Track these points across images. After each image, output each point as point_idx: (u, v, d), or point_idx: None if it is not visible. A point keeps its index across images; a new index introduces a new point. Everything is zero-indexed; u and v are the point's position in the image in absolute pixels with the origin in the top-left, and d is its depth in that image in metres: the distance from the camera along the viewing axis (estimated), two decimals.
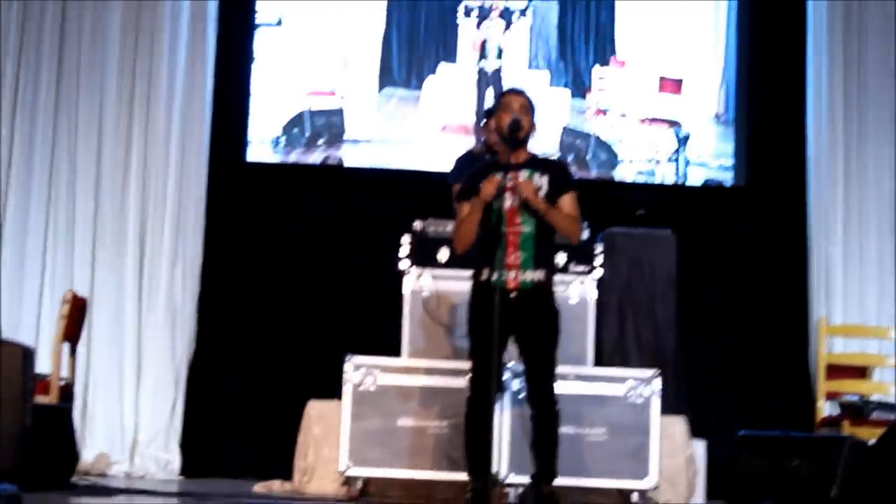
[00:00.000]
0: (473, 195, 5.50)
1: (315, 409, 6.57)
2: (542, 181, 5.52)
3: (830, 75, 8.02)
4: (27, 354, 5.73)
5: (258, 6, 8.26)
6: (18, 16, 7.81)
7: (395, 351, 6.69)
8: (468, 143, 7.98)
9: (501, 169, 5.49)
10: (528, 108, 5.56)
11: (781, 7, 8.28)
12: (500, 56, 8.32)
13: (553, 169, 5.61)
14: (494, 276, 5.39)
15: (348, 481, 6.31)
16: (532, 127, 5.60)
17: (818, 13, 8.09)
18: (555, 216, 5.46)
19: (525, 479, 5.90)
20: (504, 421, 6.18)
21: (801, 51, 8.15)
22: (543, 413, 5.50)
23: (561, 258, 6.47)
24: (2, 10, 7.75)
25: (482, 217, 5.46)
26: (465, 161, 7.05)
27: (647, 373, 6.35)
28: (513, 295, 5.43)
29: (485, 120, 6.96)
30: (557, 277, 5.68)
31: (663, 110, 8.34)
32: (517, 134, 5.49)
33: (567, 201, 5.54)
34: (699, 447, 6.63)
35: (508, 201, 5.46)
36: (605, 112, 8.32)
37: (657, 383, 6.30)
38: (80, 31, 7.83)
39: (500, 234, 5.44)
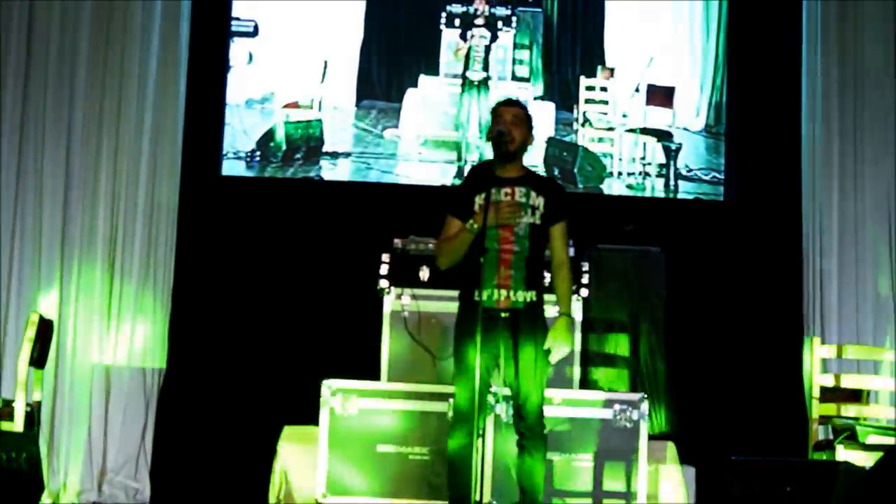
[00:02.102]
0: (462, 210, 5.53)
1: (291, 435, 6.61)
2: (538, 201, 5.56)
3: (825, 88, 8.04)
4: None
5: (233, 14, 8.29)
6: None
7: (374, 374, 6.72)
8: (450, 156, 8.03)
9: (494, 184, 5.52)
10: (522, 119, 5.60)
11: (775, 19, 8.32)
12: (485, 67, 8.35)
13: (551, 191, 5.64)
14: (484, 296, 5.43)
15: None
16: (528, 139, 5.64)
17: (812, 25, 8.13)
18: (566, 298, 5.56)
19: None
20: (487, 447, 6.21)
21: (795, 64, 8.18)
22: (530, 439, 5.53)
23: (546, 277, 6.49)
24: None
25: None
26: (478, 172, 7.04)
27: (635, 396, 6.40)
28: (503, 315, 5.47)
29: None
30: (544, 297, 5.71)
31: (653, 122, 8.38)
32: (503, 147, 5.53)
33: (559, 233, 5.59)
34: (688, 473, 6.68)
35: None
36: (592, 124, 8.36)
37: (645, 407, 6.35)
38: (48, 41, 7.81)
39: (493, 252, 5.48)
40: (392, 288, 6.79)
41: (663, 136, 8.35)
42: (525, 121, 5.62)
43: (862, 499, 5.15)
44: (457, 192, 5.74)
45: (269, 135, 8.28)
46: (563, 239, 5.62)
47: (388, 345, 6.75)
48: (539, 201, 5.56)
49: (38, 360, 6.55)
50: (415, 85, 8.33)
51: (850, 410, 6.72)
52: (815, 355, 6.73)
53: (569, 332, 5.57)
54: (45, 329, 6.62)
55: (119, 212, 7.82)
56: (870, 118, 8.03)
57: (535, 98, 8.30)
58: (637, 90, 8.37)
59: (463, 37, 8.36)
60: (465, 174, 7.10)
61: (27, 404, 6.38)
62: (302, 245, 8.09)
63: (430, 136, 8.31)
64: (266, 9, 8.33)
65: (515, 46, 8.41)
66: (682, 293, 7.88)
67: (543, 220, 5.56)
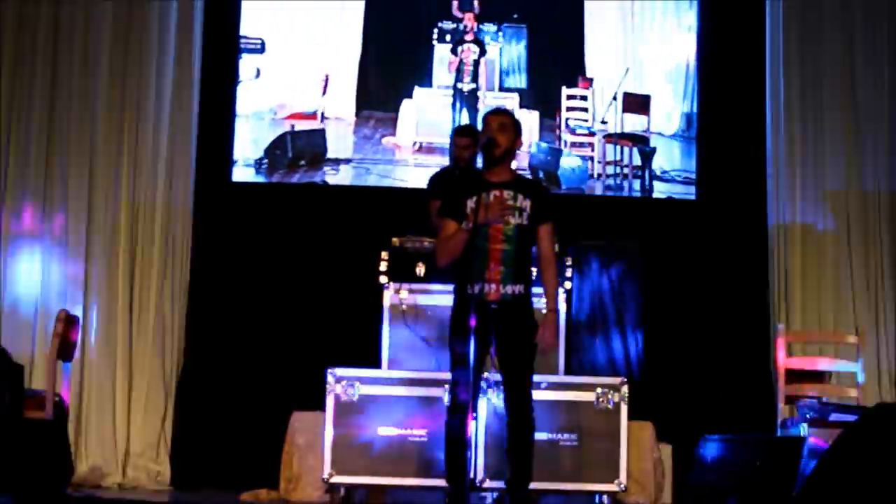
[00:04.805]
0: (456, 212, 5.53)
1: (299, 420, 6.60)
2: (525, 203, 5.55)
3: (787, 95, 8.08)
4: (17, 370, 5.74)
5: (242, 32, 8.29)
6: (11, 39, 7.82)
7: (375, 362, 6.72)
8: (443, 161, 8.04)
9: (484, 187, 5.52)
10: (508, 125, 5.57)
11: (741, 35, 8.33)
12: (474, 79, 8.37)
13: (537, 193, 5.63)
14: (476, 289, 5.44)
15: (332, 488, 6.34)
16: (516, 144, 5.63)
17: (774, 41, 8.15)
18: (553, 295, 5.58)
19: (501, 485, 5.95)
20: (481, 428, 6.22)
21: (759, 74, 8.20)
22: (520, 420, 5.52)
23: (534, 272, 6.50)
24: None
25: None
26: (441, 178, 7.12)
27: (616, 380, 6.41)
28: (493, 306, 5.47)
29: (452, 138, 7.08)
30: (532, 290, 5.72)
31: (630, 128, 8.39)
32: (491, 153, 5.54)
33: (545, 233, 5.58)
34: (666, 451, 6.69)
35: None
36: (573, 130, 8.37)
37: (625, 390, 6.36)
38: (71, 59, 7.84)
39: (484, 250, 5.48)
40: (391, 283, 6.79)
41: (639, 140, 8.36)
42: (511, 127, 5.59)
43: (825, 472, 5.17)
44: (448, 195, 5.73)
45: (276, 143, 8.28)
46: (549, 238, 5.62)
47: (388, 335, 6.75)
48: (526, 203, 5.55)
49: (65, 353, 6.55)
50: (410, 96, 8.34)
51: (813, 391, 6.74)
52: (781, 341, 6.75)
53: (555, 328, 5.62)
54: (71, 325, 6.62)
55: (139, 215, 7.85)
56: (828, 123, 8.09)
57: (521, 106, 8.31)
58: (615, 98, 8.38)
59: (454, 51, 8.37)
60: (434, 181, 7.12)
61: (56, 395, 6.38)
62: (307, 245, 8.10)
63: (425, 142, 8.33)
64: (272, 28, 8.33)
65: (502, 59, 8.41)
66: (659, 285, 7.89)
67: (530, 221, 5.55)
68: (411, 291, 6.76)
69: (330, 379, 6.34)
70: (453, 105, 8.33)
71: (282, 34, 8.35)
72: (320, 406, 6.38)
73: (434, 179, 7.17)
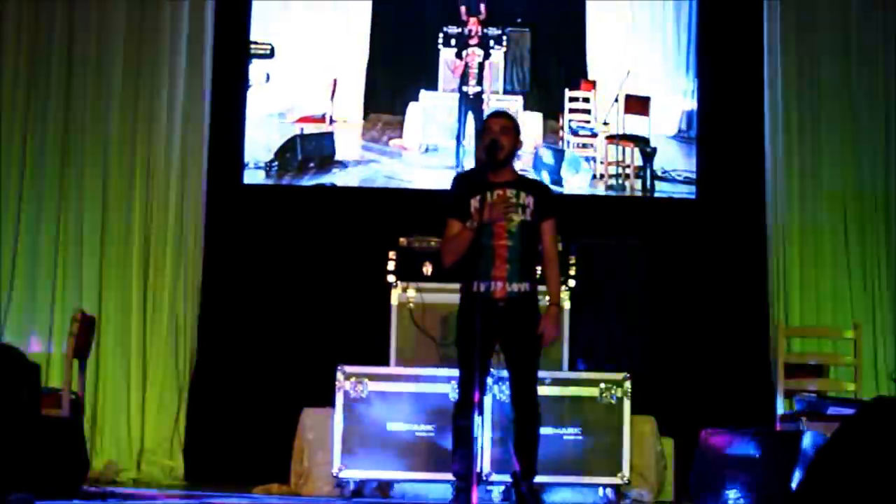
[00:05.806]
0: (461, 213, 5.56)
1: (309, 417, 6.62)
2: (528, 201, 5.59)
3: (785, 95, 8.07)
4: (34, 369, 5.78)
5: (251, 38, 8.32)
6: (27, 49, 7.87)
7: (383, 360, 6.75)
8: (448, 162, 8.07)
9: (487, 187, 5.56)
10: (510, 128, 5.61)
11: (740, 35, 8.33)
12: (479, 82, 8.39)
13: (539, 191, 5.68)
14: (483, 287, 5.47)
15: (341, 483, 6.38)
16: (517, 145, 5.67)
17: (773, 42, 8.15)
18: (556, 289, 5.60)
19: (507, 478, 5.98)
20: (487, 423, 6.25)
21: (758, 75, 8.20)
22: (526, 415, 5.56)
23: (538, 269, 6.52)
24: (11, 44, 7.84)
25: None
26: (465, 179, 7.10)
27: (619, 376, 6.44)
28: (500, 304, 5.51)
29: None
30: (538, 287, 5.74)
31: (631, 129, 8.41)
32: (496, 155, 5.57)
33: (548, 229, 5.63)
34: (668, 444, 6.72)
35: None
36: (576, 132, 8.39)
37: (628, 385, 6.39)
38: (84, 67, 7.89)
39: (489, 248, 5.52)
40: (398, 282, 6.82)
41: (640, 141, 8.37)
42: (512, 129, 5.64)
43: (824, 464, 5.18)
44: (453, 197, 5.78)
45: (285, 146, 8.31)
46: (552, 235, 5.65)
47: (396, 333, 6.78)
48: (529, 200, 5.58)
49: (81, 352, 6.59)
50: (416, 99, 8.35)
51: (812, 385, 6.76)
52: (781, 335, 6.78)
53: (557, 321, 5.64)
54: (87, 325, 6.66)
55: (152, 217, 7.88)
56: (826, 122, 8.08)
57: (524, 109, 8.33)
58: (616, 100, 8.40)
59: (459, 55, 8.39)
60: (453, 181, 7.15)
61: (72, 393, 6.42)
62: (317, 245, 8.12)
63: (431, 144, 8.35)
64: (281, 33, 8.36)
65: (506, 62, 8.43)
66: (660, 283, 7.90)
67: (533, 218, 5.58)
68: (418, 290, 6.79)
69: (339, 376, 6.37)
70: (458, 108, 8.35)
71: (291, 40, 8.37)
72: (330, 403, 6.41)
73: (458, 180, 7.17)
